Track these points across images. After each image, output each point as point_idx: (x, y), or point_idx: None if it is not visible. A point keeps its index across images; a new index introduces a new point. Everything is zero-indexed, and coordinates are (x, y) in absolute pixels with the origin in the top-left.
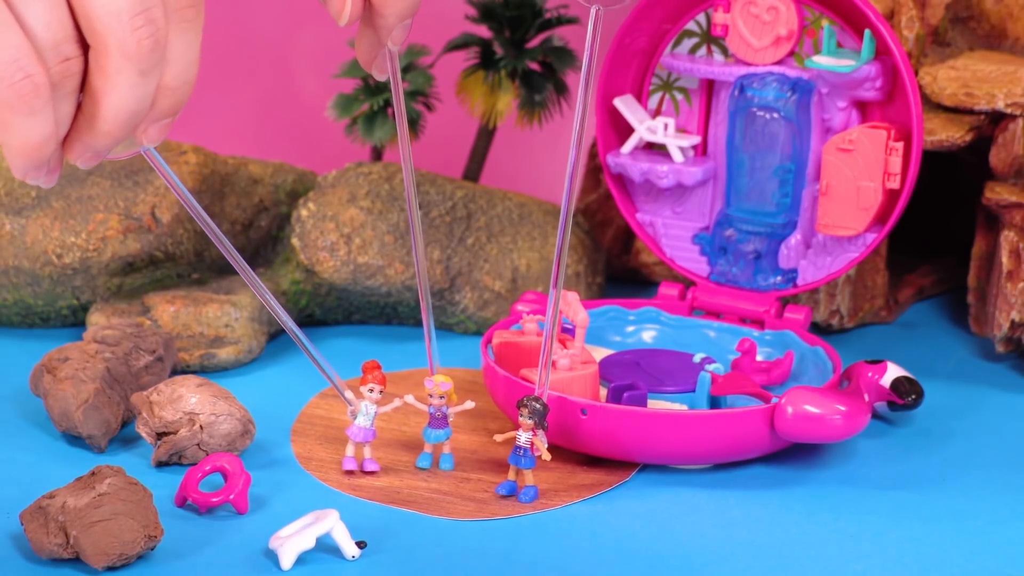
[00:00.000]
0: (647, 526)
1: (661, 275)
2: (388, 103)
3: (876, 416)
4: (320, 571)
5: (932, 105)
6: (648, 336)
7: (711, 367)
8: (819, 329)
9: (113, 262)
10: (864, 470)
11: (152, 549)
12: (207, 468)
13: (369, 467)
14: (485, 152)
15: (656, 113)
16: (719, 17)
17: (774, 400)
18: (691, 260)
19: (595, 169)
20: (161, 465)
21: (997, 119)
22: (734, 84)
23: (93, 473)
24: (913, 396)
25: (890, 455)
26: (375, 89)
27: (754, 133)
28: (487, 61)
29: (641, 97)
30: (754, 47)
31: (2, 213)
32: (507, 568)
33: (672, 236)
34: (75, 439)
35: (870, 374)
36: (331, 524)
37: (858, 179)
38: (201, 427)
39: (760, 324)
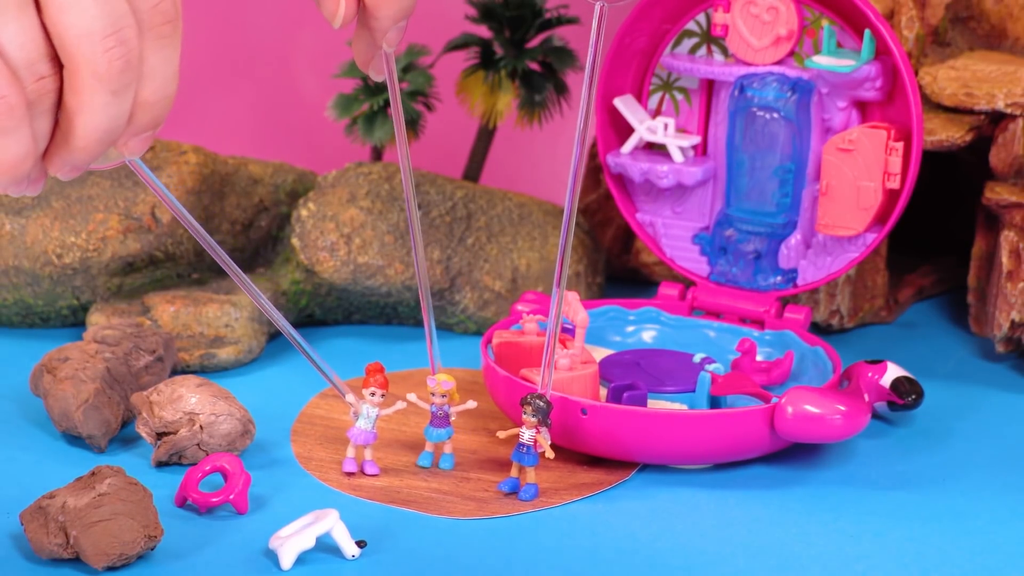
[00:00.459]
0: (647, 526)
1: (661, 275)
2: (388, 103)
3: (876, 416)
4: (320, 571)
5: (932, 105)
6: (648, 336)
7: (711, 367)
8: (819, 329)
9: (113, 262)
10: (864, 470)
11: (152, 549)
12: (207, 468)
13: (369, 469)
14: (485, 152)
15: (656, 113)
16: (719, 17)
17: (774, 400)
18: (691, 260)
19: (595, 169)
20: (161, 465)
21: (997, 119)
22: (734, 84)
23: (93, 473)
24: (913, 396)
25: (890, 455)
26: (375, 89)
27: (754, 133)
28: (487, 61)
29: (641, 97)
30: (754, 47)
31: (2, 213)
32: (507, 567)
33: (672, 236)
34: (75, 439)
35: (870, 374)
36: (331, 524)
37: (858, 179)
38: (201, 427)
39: (760, 324)
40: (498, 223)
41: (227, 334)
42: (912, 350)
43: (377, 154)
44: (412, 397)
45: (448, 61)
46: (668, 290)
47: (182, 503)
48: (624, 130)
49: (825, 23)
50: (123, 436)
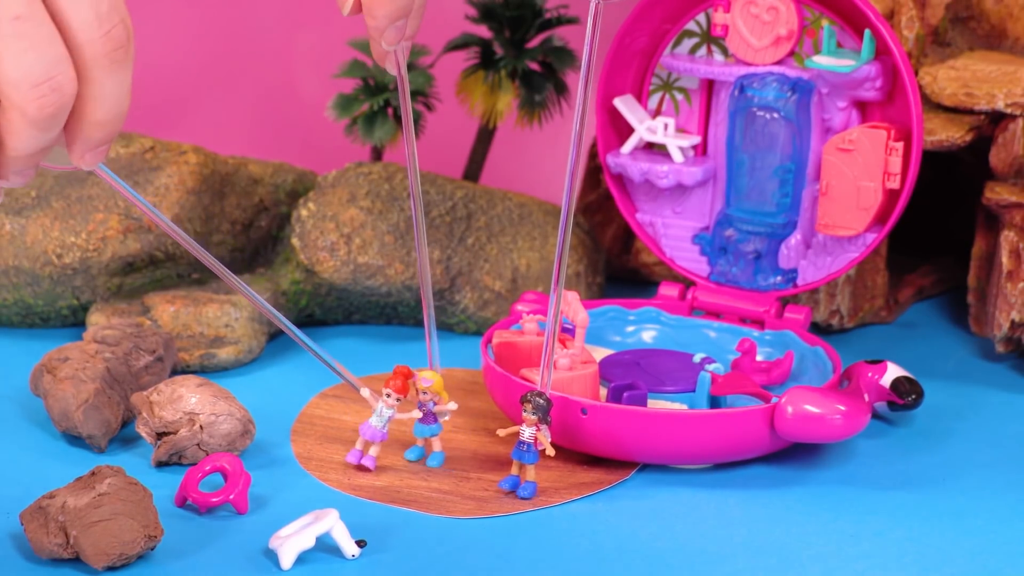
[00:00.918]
0: (647, 525)
1: (661, 275)
2: (388, 103)
3: (876, 416)
4: (320, 570)
5: (932, 105)
6: (648, 336)
7: (711, 367)
8: (819, 329)
9: (113, 262)
10: (864, 470)
11: (152, 549)
12: (207, 468)
13: (367, 463)
14: (485, 152)
15: (656, 113)
16: (719, 17)
17: (774, 400)
18: (691, 260)
19: (595, 169)
20: (161, 465)
21: (997, 119)
22: (734, 84)
23: (93, 473)
24: (913, 396)
25: (890, 455)
26: (375, 89)
27: (754, 133)
28: (487, 61)
29: (641, 97)
30: (754, 47)
31: (2, 213)
32: (507, 566)
33: (672, 236)
34: (75, 439)
35: (870, 374)
36: (331, 523)
37: (858, 179)
38: (201, 427)
39: (760, 324)
40: (498, 223)
41: (227, 334)
42: (912, 350)
43: (377, 154)
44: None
45: (448, 61)
46: (668, 290)
47: (182, 503)
48: (624, 130)
49: (825, 23)
50: (123, 436)
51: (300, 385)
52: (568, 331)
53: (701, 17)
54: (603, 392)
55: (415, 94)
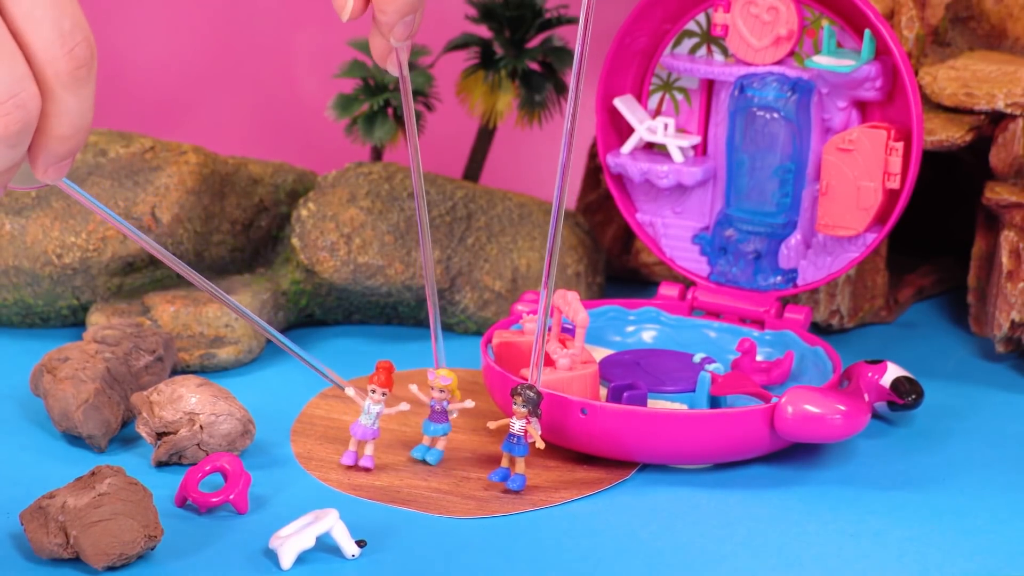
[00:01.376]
0: (647, 525)
1: (661, 275)
2: (388, 103)
3: (876, 416)
4: (320, 570)
5: (932, 105)
6: (648, 336)
7: (711, 367)
8: (819, 329)
9: (113, 262)
10: (864, 470)
11: (152, 549)
12: (207, 468)
13: (364, 463)
14: (485, 152)
15: (656, 113)
16: (719, 17)
17: (774, 400)
18: (691, 260)
19: (595, 169)
20: (161, 465)
21: (997, 119)
22: (734, 84)
23: (93, 473)
24: (913, 396)
25: (890, 455)
26: (375, 89)
27: (754, 133)
28: (487, 61)
29: (641, 97)
30: (754, 47)
31: (2, 213)
32: (507, 566)
33: (672, 236)
34: (75, 439)
35: (870, 374)
36: (331, 523)
37: (858, 179)
38: (201, 427)
39: (760, 324)
40: (498, 223)
41: (227, 334)
42: (912, 350)
43: (377, 154)
44: (413, 388)
45: (448, 61)
46: (668, 290)
47: (182, 503)
48: (624, 130)
49: (825, 23)
50: (123, 436)
51: (300, 385)
52: (568, 331)
53: (701, 17)
54: (603, 392)
55: (415, 94)
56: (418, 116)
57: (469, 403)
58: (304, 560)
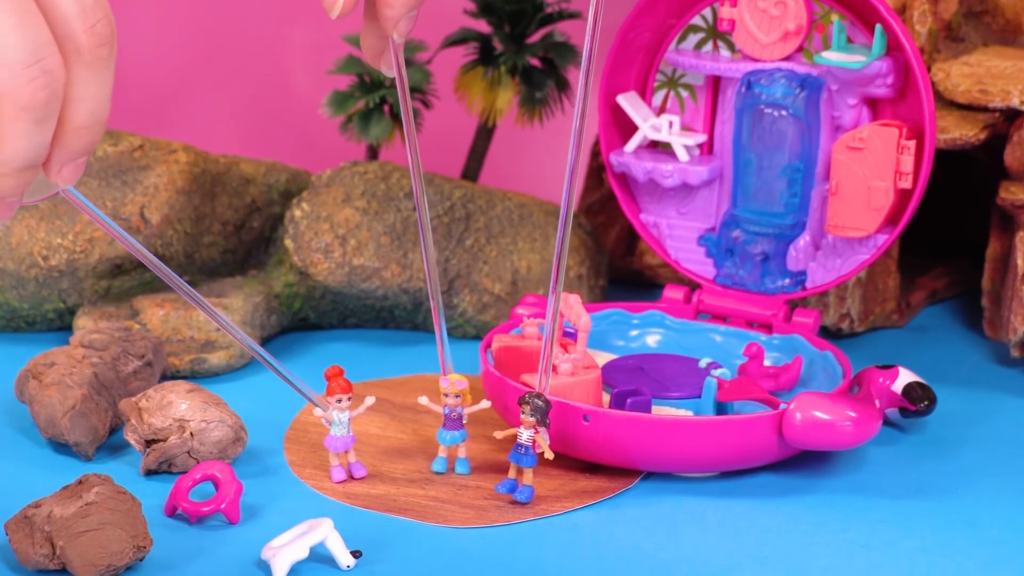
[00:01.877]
0: (651, 535)
1: (666, 277)
2: (384, 100)
3: (888, 423)
4: None
5: (945, 102)
6: (652, 340)
7: (717, 372)
8: (829, 333)
9: (101, 264)
10: (875, 478)
11: (141, 560)
12: (197, 476)
13: (358, 472)
14: (484, 151)
15: (661, 111)
16: (725, 12)
17: (782, 406)
18: (697, 262)
19: (598, 168)
20: (150, 473)
21: (1012, 116)
22: (741, 81)
23: (80, 482)
24: (926, 402)
25: (902, 463)
26: (371, 86)
27: (762, 131)
28: (486, 57)
29: (645, 94)
30: (762, 42)
31: None
32: None
33: (677, 237)
34: (62, 447)
35: (881, 379)
36: (325, 533)
37: (869, 178)
38: (191, 434)
39: (768, 328)
40: (498, 224)
41: (218, 338)
42: (925, 355)
43: (373, 153)
44: (424, 400)
45: (446, 57)
46: (673, 293)
47: (172, 512)
48: (628, 128)
49: (835, 18)
50: (111, 443)
51: (293, 391)
52: (570, 335)
53: (707, 11)
54: (606, 398)
55: (412, 91)
56: (415, 114)
57: (486, 403)
58: (298, 571)
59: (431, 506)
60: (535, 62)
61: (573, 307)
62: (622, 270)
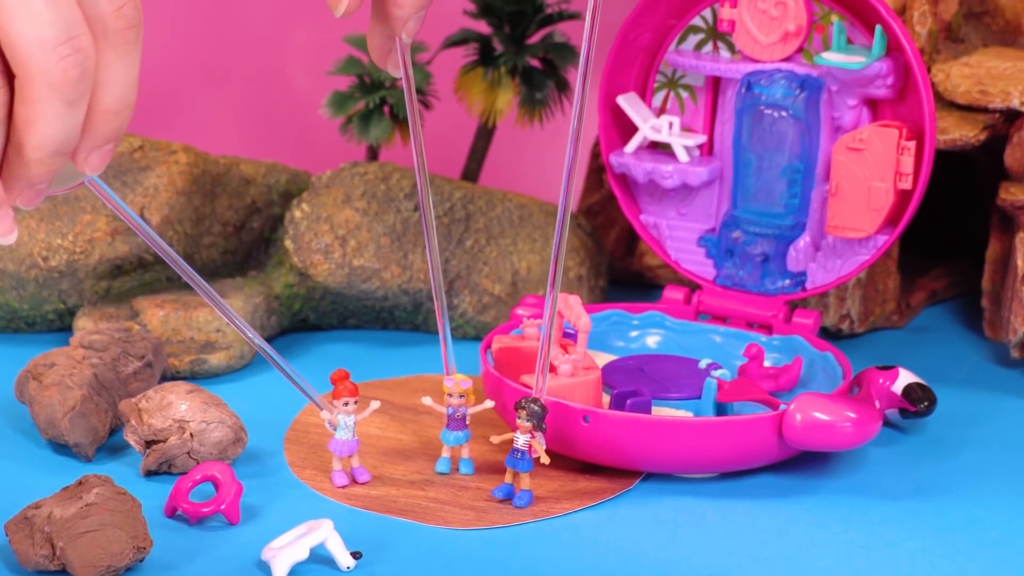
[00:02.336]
0: (651, 536)
1: (666, 278)
2: (384, 101)
3: (888, 424)
4: None
5: (945, 103)
6: (652, 341)
7: (717, 373)
8: (829, 334)
9: (101, 265)
10: (875, 479)
11: (141, 561)
12: (197, 477)
13: (361, 477)
14: (484, 152)
15: (661, 111)
16: (725, 12)
17: (782, 407)
18: (697, 263)
19: (598, 169)
20: (150, 474)
21: (1012, 117)
22: (741, 81)
23: (80, 482)
24: (926, 403)
25: (902, 463)
26: (371, 86)
27: (762, 132)
28: (486, 58)
29: (645, 95)
30: (762, 43)
31: None
32: None
33: (677, 238)
34: (61, 447)
35: (881, 380)
36: (325, 534)
37: (869, 179)
38: (191, 435)
39: (768, 329)
40: (498, 225)
41: (218, 339)
42: (925, 355)
43: (373, 154)
44: (427, 401)
45: (446, 58)
46: (673, 294)
47: (172, 513)
48: (628, 129)
49: (835, 19)
50: (111, 444)
51: (293, 392)
52: (570, 336)
53: (707, 12)
54: (606, 399)
55: None
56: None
57: (489, 403)
58: (297, 572)
59: (431, 507)
60: (535, 63)
61: (573, 308)
62: (622, 271)
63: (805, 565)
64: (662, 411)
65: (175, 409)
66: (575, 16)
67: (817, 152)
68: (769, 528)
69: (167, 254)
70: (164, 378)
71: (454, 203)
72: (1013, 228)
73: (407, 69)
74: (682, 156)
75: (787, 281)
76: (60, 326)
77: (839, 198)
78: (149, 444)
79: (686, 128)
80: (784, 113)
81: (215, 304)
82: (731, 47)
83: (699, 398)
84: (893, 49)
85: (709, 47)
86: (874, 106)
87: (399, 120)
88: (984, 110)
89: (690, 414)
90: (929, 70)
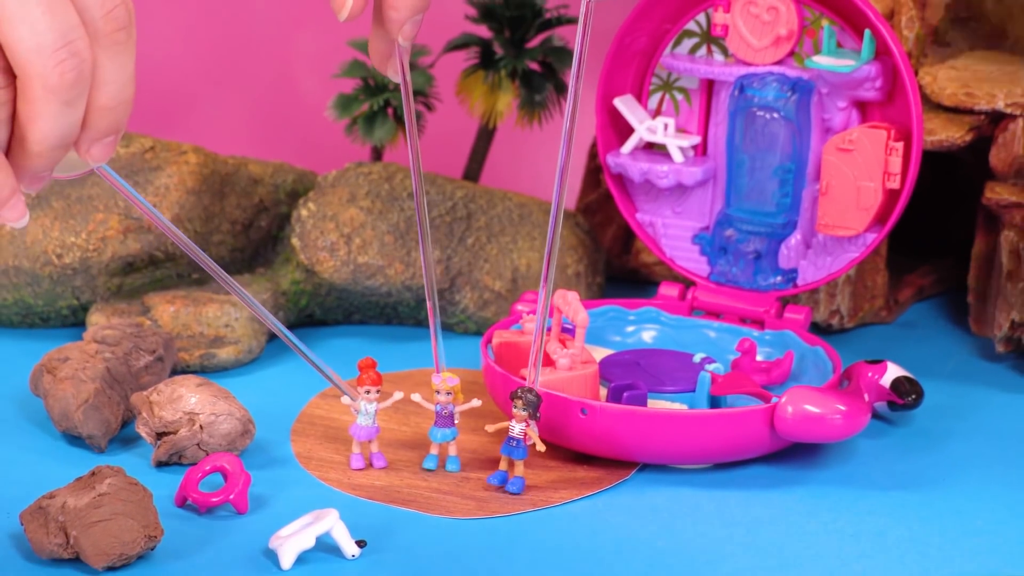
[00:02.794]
0: (647, 525)
1: (661, 275)
2: (388, 103)
3: (876, 416)
4: (320, 571)
5: (932, 105)
6: (648, 336)
7: (711, 367)
8: (819, 329)
9: (113, 262)
10: (864, 470)
11: (152, 549)
12: (207, 468)
13: (378, 463)
14: (485, 152)
15: (656, 113)
16: (719, 17)
17: (774, 400)
18: (691, 260)
19: (595, 169)
20: (161, 465)
21: (997, 119)
22: (734, 84)
23: (93, 473)
24: (913, 396)
25: (890, 455)
26: (375, 89)
27: (754, 133)
28: (487, 61)
29: (641, 97)
30: (754, 47)
31: None
32: (507, 566)
33: (672, 236)
34: (75, 439)
35: (870, 374)
36: (331, 523)
37: (858, 179)
38: (201, 427)
39: (760, 324)
40: (498, 223)
41: (227, 334)
42: (912, 350)
43: (377, 154)
44: (416, 397)
45: (448, 61)
46: (668, 290)
47: (182, 503)
48: (624, 130)
49: (825, 23)
50: (123, 436)
51: (300, 385)
52: (568, 331)
53: (701, 17)
54: (603, 392)
55: (415, 94)
56: (418, 116)
57: (476, 402)
58: (304, 560)
59: (433, 497)
60: (534, 66)
61: (571, 304)
62: (619, 268)
63: (796, 553)
64: (657, 404)
65: (185, 402)
66: (573, 20)
67: (808, 153)
68: (761, 517)
69: (183, 241)
70: (174, 372)
71: (456, 202)
72: (998, 226)
73: (405, 74)
74: (677, 156)
75: (779, 278)
76: (74, 321)
77: (829, 197)
78: (160, 436)
79: (681, 129)
80: (776, 115)
81: (229, 286)
82: (724, 51)
83: (693, 391)
84: (882, 53)
85: (703, 51)
86: (863, 108)
87: (402, 122)
88: (970, 112)
89: (685, 407)
90: (916, 73)
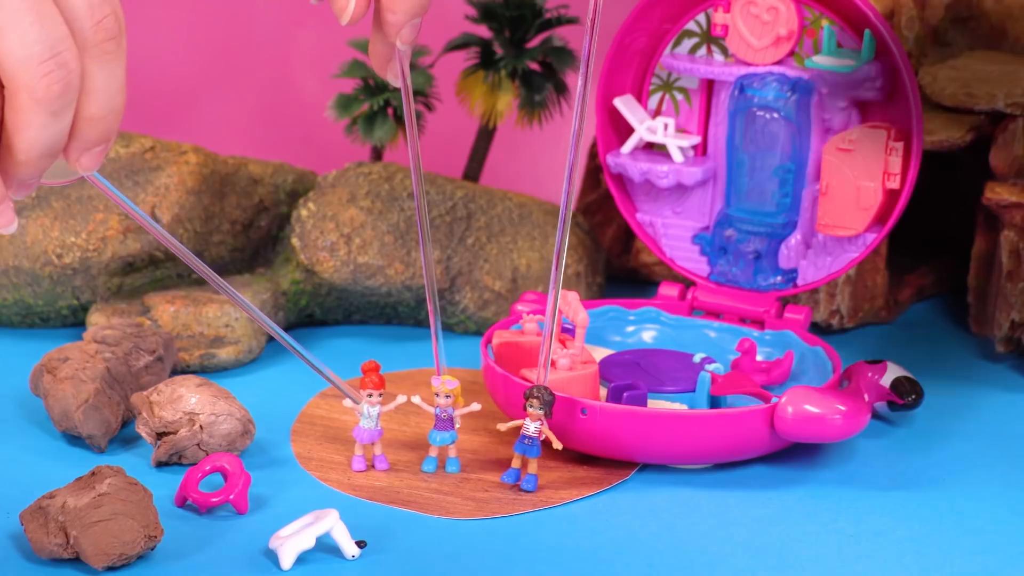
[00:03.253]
0: (647, 525)
1: (661, 275)
2: (388, 103)
3: (876, 416)
4: (320, 571)
5: (932, 105)
6: (648, 336)
7: (711, 367)
8: (819, 329)
9: (113, 262)
10: (864, 470)
11: (152, 549)
12: (207, 468)
13: (380, 465)
14: (485, 152)
15: (656, 113)
16: (719, 17)
17: (774, 400)
18: (691, 260)
19: (595, 169)
20: (161, 465)
21: (997, 119)
22: (734, 84)
23: (93, 473)
24: (913, 396)
25: (890, 455)
26: (375, 89)
27: (754, 133)
28: (487, 61)
29: (641, 97)
30: (754, 47)
31: None
32: (507, 567)
33: (672, 236)
34: (75, 439)
35: (870, 374)
36: (331, 524)
37: (858, 179)
38: (201, 427)
39: (760, 324)
40: (498, 223)
41: (227, 334)
42: (912, 350)
43: (377, 154)
44: (416, 400)
45: (448, 61)
46: (668, 290)
47: (182, 503)
48: (624, 130)
49: (825, 23)
50: (123, 436)
51: (300, 385)
52: (568, 331)
53: (701, 17)
54: (603, 392)
55: (415, 94)
56: (418, 116)
57: (476, 406)
58: (304, 561)
59: (433, 498)
60: (534, 66)
61: (571, 304)
62: (619, 268)
63: (796, 553)
64: (657, 404)
65: (185, 402)
66: (573, 21)
67: (808, 152)
68: (761, 517)
69: (175, 246)
70: (174, 372)
71: (456, 202)
72: (998, 226)
73: (406, 77)
74: (677, 156)
75: (779, 278)
76: (74, 321)
77: (829, 197)
78: (160, 436)
79: (681, 129)
80: (776, 115)
81: (225, 291)
82: (724, 51)
83: (693, 391)
84: (882, 53)
85: (703, 51)
86: (863, 108)
87: (402, 122)
88: (970, 112)
89: (685, 407)
90: (916, 73)
